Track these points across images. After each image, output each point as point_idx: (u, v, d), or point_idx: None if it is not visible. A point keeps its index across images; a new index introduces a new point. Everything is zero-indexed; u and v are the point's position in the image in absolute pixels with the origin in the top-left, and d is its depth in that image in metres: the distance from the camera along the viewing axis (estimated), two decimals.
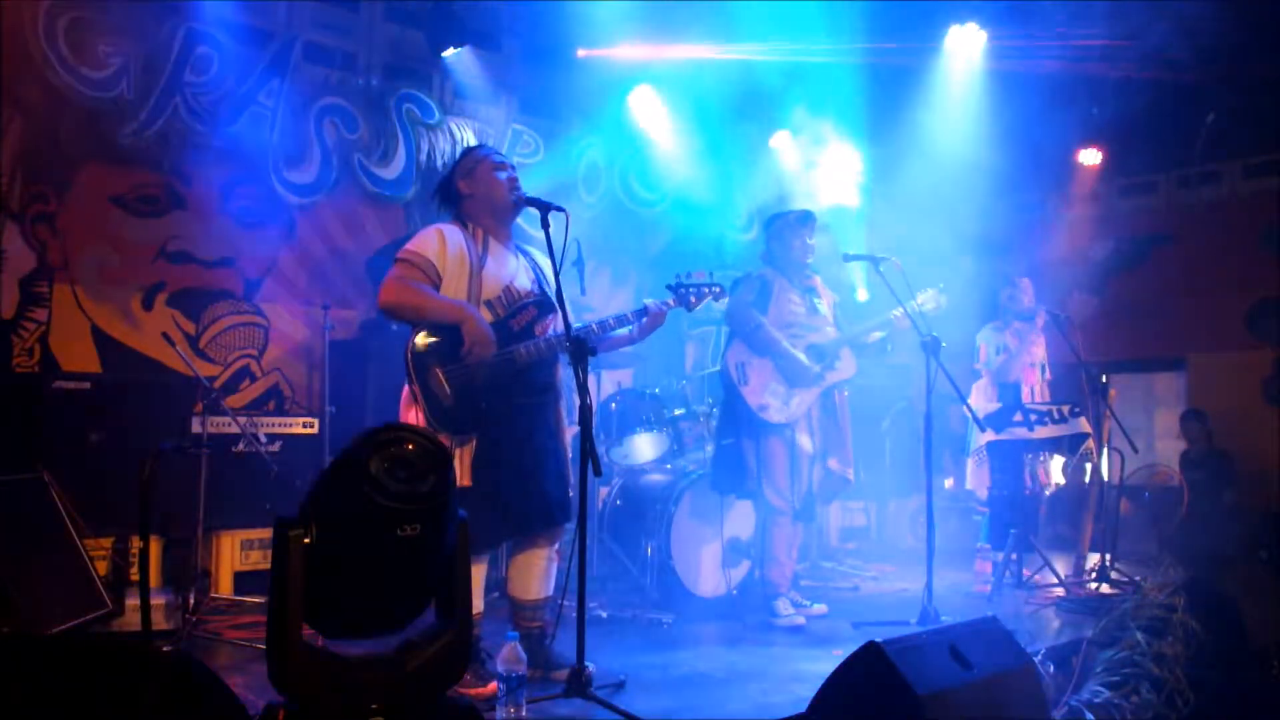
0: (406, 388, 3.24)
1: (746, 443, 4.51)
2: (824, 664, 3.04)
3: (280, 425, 4.94)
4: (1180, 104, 7.68)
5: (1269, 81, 7.07)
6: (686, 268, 3.79)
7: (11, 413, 4.31)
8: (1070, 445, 5.34)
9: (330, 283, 5.93)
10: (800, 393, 4.49)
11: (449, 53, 6.29)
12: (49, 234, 5.05)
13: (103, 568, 4.12)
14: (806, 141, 7.29)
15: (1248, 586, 4.59)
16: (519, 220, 3.58)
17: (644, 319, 3.57)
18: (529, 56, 6.78)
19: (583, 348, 3.08)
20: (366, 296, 5.92)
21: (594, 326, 3.47)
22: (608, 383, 6.01)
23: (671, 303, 3.68)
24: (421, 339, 3.22)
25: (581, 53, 6.68)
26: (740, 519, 4.87)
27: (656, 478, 5.15)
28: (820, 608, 4.61)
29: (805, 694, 2.81)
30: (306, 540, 2.18)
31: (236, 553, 4.72)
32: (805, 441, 4.52)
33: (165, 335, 4.96)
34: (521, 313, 3.39)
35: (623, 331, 3.61)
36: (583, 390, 3.01)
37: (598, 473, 2.96)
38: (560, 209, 3.27)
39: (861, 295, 7.47)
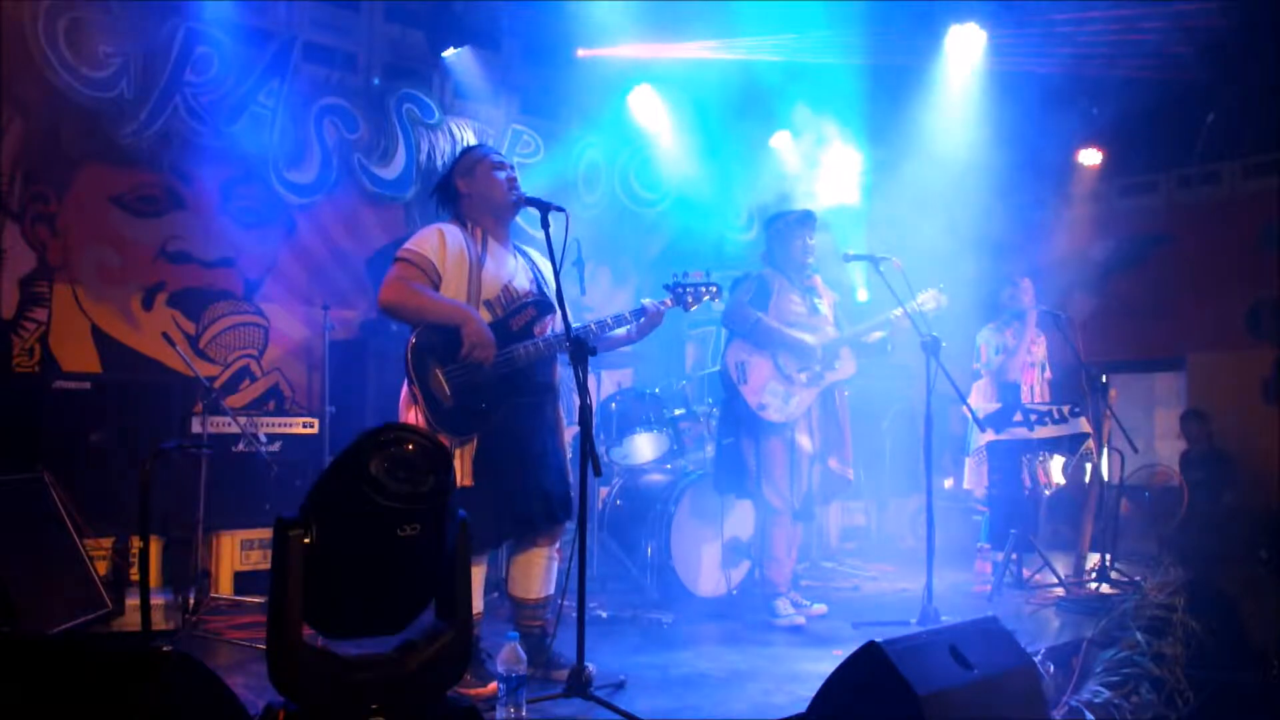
0: (405, 388, 3.24)
1: (746, 442, 4.51)
2: (824, 664, 3.04)
3: (280, 425, 4.94)
4: (1180, 104, 7.68)
5: (1269, 81, 7.07)
6: (687, 268, 3.80)
7: (11, 413, 4.32)
8: (1070, 445, 5.34)
9: (330, 283, 5.93)
10: (800, 392, 4.49)
11: (449, 53, 6.30)
12: (49, 234, 5.05)
13: (103, 568, 4.12)
14: (807, 141, 7.29)
15: (1248, 586, 4.59)
16: (519, 220, 3.58)
17: (641, 319, 3.58)
18: (529, 56, 6.78)
19: (583, 348, 3.08)
20: (366, 296, 5.92)
21: (592, 326, 3.47)
22: (608, 383, 6.01)
23: (668, 303, 3.68)
24: (421, 339, 3.22)
25: (581, 53, 6.68)
26: (740, 519, 4.87)
27: (656, 478, 5.15)
28: (820, 608, 4.61)
29: (805, 694, 2.81)
30: (306, 540, 2.18)
31: (236, 553, 4.72)
32: (805, 441, 4.52)
33: (165, 335, 4.96)
34: (520, 313, 3.39)
35: (620, 331, 3.61)
36: (583, 390, 3.01)
37: (598, 473, 2.96)
38: (560, 209, 3.27)
39: (861, 295, 7.47)
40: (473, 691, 3.08)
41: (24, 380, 4.78)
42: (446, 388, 3.19)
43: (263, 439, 4.74)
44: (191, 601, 4.14)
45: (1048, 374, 5.98)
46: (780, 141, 7.61)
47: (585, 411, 2.97)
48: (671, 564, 4.71)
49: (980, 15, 6.94)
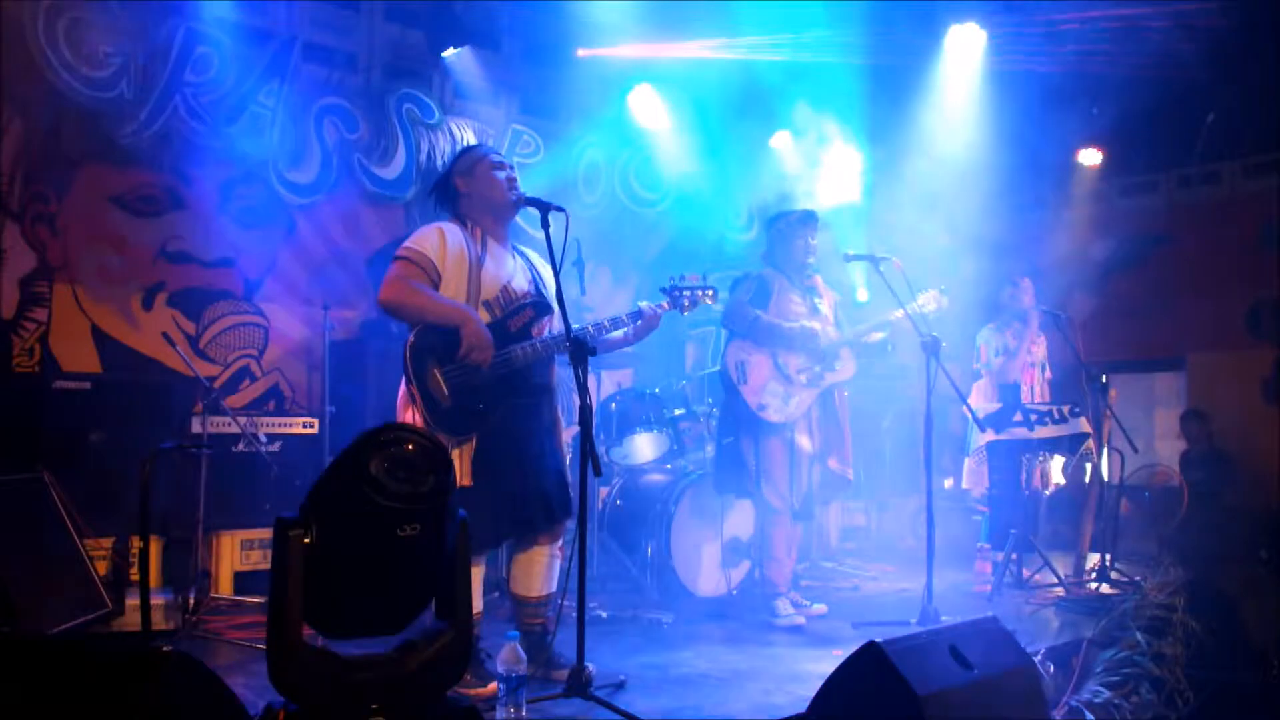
0: (403, 387, 3.24)
1: (746, 442, 4.51)
2: (824, 664, 3.05)
3: (280, 425, 4.94)
4: (1180, 104, 7.68)
5: (1269, 81, 7.07)
6: (687, 268, 3.80)
7: (11, 413, 4.31)
8: (1070, 445, 5.34)
9: (330, 283, 5.92)
10: (800, 392, 4.49)
11: (449, 53, 6.29)
12: (49, 234, 5.05)
13: (103, 568, 4.12)
14: (807, 141, 7.28)
15: (1248, 586, 4.60)
16: (519, 220, 3.58)
17: (638, 322, 3.58)
18: (529, 56, 6.78)
19: (582, 348, 3.08)
20: (366, 296, 5.92)
21: (590, 328, 3.47)
22: (608, 383, 6.01)
23: (665, 306, 3.68)
24: (420, 339, 3.21)
25: (581, 52, 6.68)
26: (740, 519, 4.87)
27: (656, 478, 5.15)
28: (820, 608, 4.61)
29: (805, 694, 2.81)
30: (306, 540, 2.18)
31: (236, 553, 4.72)
32: (805, 441, 4.52)
33: (165, 335, 4.96)
34: (519, 314, 3.39)
35: (617, 334, 3.61)
36: (582, 390, 3.01)
37: (598, 473, 2.96)
38: (560, 209, 3.27)
39: (862, 295, 7.46)
40: (473, 691, 3.08)
41: (24, 380, 4.78)
42: (444, 388, 3.19)
43: (263, 439, 4.74)
44: (191, 601, 4.14)
45: (1048, 374, 5.99)
46: (780, 141, 7.61)
47: (585, 411, 2.98)
48: (671, 564, 4.71)
49: (980, 15, 6.94)
